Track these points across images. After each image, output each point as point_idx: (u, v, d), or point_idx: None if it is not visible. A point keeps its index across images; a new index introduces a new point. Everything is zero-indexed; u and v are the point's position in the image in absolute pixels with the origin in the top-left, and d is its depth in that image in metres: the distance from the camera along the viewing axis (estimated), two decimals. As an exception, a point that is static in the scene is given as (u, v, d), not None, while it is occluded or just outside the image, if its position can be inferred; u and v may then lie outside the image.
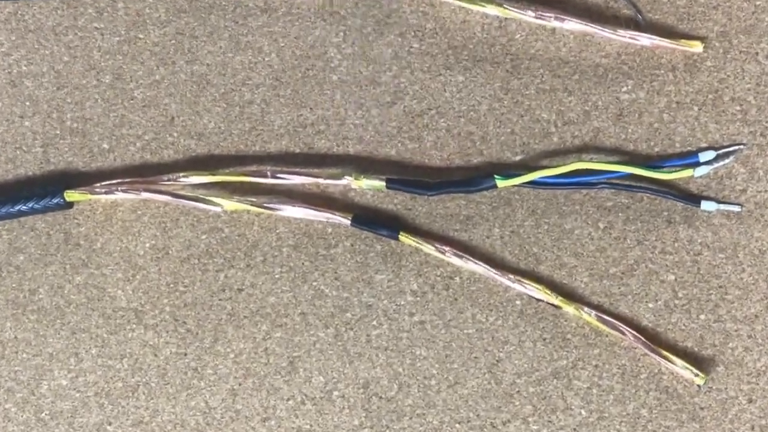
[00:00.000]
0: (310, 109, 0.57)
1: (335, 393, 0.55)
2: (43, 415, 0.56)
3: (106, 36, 0.58)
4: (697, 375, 0.52)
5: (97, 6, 0.58)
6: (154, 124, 0.57)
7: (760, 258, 0.54)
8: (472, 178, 0.54)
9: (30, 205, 0.55)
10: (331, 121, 0.57)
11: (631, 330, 0.53)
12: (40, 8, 0.58)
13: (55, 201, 0.55)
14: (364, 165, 0.56)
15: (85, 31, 0.58)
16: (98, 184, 0.55)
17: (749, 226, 0.54)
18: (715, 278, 0.54)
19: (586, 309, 0.53)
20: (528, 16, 0.54)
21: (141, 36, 0.58)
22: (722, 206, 0.53)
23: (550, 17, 0.54)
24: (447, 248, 0.53)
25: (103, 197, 0.56)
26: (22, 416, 0.56)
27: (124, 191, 0.55)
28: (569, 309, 0.53)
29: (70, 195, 0.55)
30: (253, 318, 0.56)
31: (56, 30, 0.58)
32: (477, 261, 0.53)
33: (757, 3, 0.55)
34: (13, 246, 0.57)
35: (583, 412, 0.54)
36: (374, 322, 0.56)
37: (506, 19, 0.55)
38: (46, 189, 0.55)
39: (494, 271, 0.53)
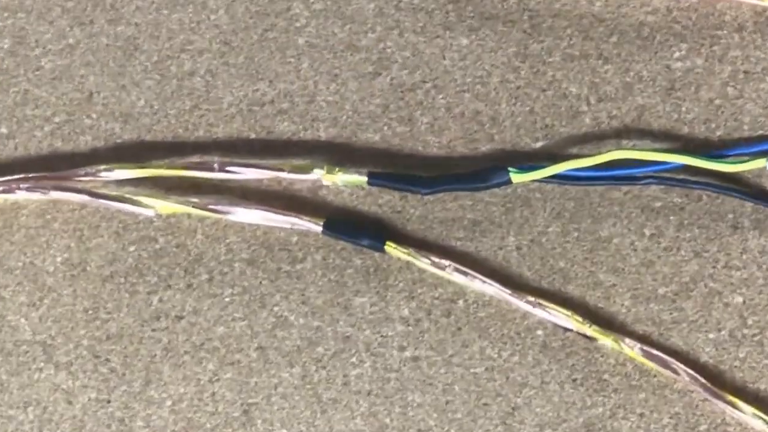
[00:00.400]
0: (270, 82, 0.53)
1: None
2: (-73, 479, 0.51)
3: (4, -11, 0.56)
4: (773, 427, 0.49)
5: (-6, -49, 0.56)
6: (66, 102, 0.54)
7: None
8: (479, 172, 0.51)
9: None
10: (296, 98, 0.53)
11: (686, 368, 0.49)
12: None
13: None
14: (339, 155, 0.53)
15: (-23, -17, 0.56)
16: (-7, 181, 0.54)
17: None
18: (795, 300, 0.50)
19: (628, 341, 0.49)
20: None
21: (50, -12, 0.56)
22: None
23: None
24: (447, 262, 0.50)
25: (1, 197, 0.53)
26: None
27: (28, 189, 0.52)
28: (606, 341, 0.49)
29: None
30: (196, 354, 0.51)
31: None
32: (486, 279, 0.50)
33: None
34: None
35: (625, 476, 0.49)
36: (353, 359, 0.51)
37: (523, -36, 0.53)
38: None
39: (509, 291, 0.50)
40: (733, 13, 0.51)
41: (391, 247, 0.50)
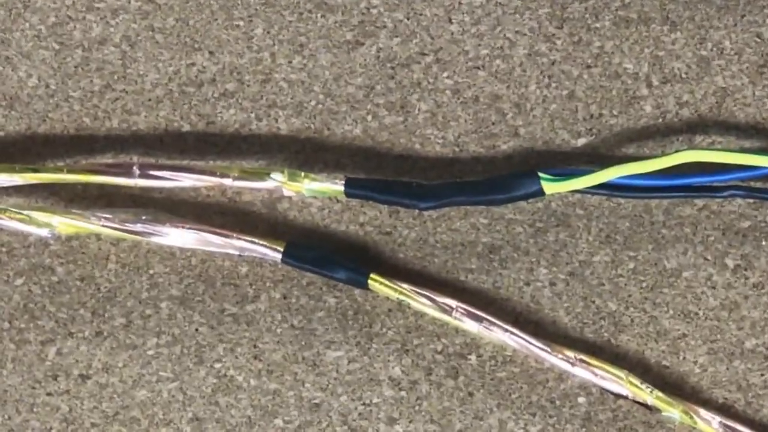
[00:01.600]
0: (211, 52, 0.49)
1: None
2: None
3: None
4: None
5: None
6: None
7: None
8: (499, 179, 0.47)
9: None
10: (246, 74, 0.49)
11: None
12: None
13: None
14: (306, 154, 0.49)
15: None
16: None
17: None
18: None
19: (703, 413, 0.45)
20: None
21: None
22: None
23: None
24: (454, 303, 0.46)
25: None
26: None
27: None
28: (674, 412, 0.45)
29: None
30: (108, 427, 0.46)
31: None
32: (509, 326, 0.46)
33: None
34: None
35: None
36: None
37: None
38: None
39: (540, 344, 0.46)
40: None
41: (376, 282, 0.46)
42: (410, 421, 0.47)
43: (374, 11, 0.51)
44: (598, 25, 0.49)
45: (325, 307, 0.48)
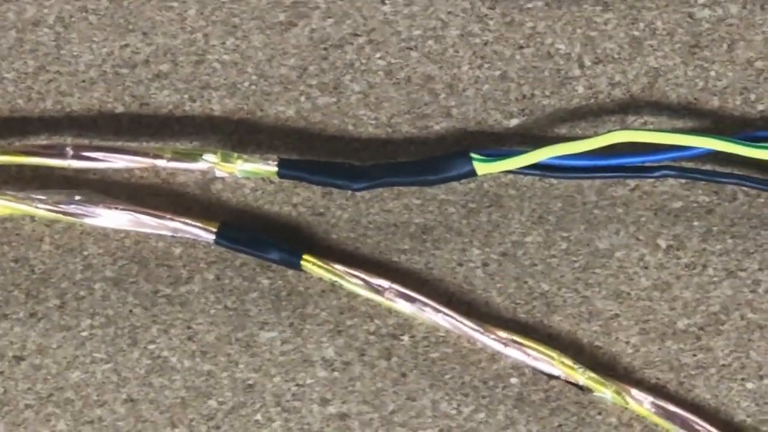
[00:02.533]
0: (144, 34, 0.49)
1: None
2: None
3: None
4: None
5: None
6: None
7: None
8: (431, 160, 0.47)
9: None
10: (180, 55, 0.49)
11: (714, 430, 0.46)
12: None
13: None
14: (239, 135, 0.49)
15: None
16: None
17: None
18: None
19: (635, 392, 0.46)
20: None
21: None
22: None
23: None
24: (387, 284, 0.46)
25: None
26: None
27: None
28: (606, 393, 0.46)
29: None
30: (42, 408, 0.47)
31: None
32: (441, 307, 0.46)
33: None
34: None
35: None
36: (258, 416, 0.47)
37: None
38: None
39: (472, 325, 0.46)
40: None
41: (309, 263, 0.46)
42: (343, 402, 0.47)
43: None
44: (530, 5, 0.49)
45: (258, 288, 0.49)
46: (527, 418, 0.47)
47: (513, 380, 0.47)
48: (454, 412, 0.46)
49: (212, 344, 0.47)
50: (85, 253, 0.48)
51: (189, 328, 0.47)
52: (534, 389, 0.47)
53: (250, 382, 0.47)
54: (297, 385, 0.47)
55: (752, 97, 0.48)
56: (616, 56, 0.48)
